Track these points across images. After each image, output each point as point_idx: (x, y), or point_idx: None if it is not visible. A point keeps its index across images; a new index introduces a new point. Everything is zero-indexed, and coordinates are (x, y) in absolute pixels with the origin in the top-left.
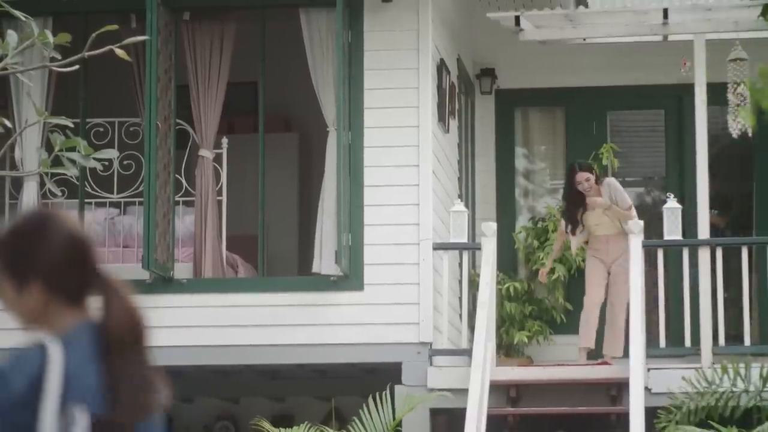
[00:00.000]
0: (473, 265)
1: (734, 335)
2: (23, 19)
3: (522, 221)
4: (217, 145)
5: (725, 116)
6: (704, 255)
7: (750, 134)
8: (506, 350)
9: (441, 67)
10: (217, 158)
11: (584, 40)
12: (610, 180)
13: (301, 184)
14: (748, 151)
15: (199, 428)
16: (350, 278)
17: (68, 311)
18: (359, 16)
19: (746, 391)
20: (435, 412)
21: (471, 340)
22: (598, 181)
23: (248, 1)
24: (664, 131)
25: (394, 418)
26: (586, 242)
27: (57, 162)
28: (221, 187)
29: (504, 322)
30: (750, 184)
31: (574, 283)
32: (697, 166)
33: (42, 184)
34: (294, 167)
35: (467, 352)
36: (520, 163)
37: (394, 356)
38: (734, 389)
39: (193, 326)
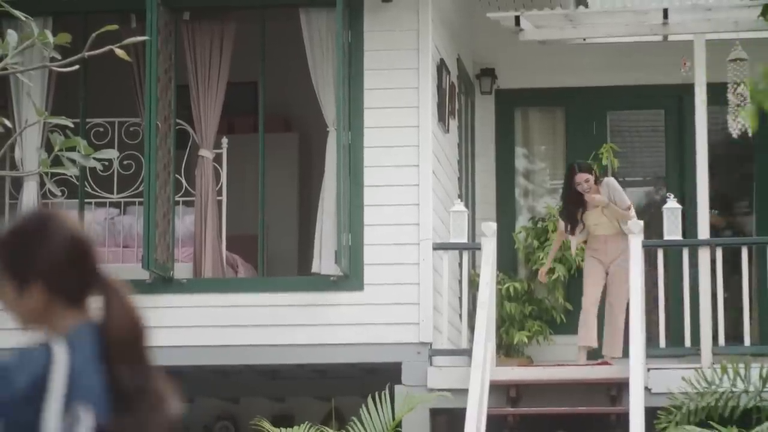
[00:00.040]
0: (473, 265)
1: (734, 335)
2: (23, 19)
3: (522, 221)
4: (217, 145)
5: (725, 116)
6: (704, 255)
7: (750, 134)
8: (506, 350)
9: (441, 67)
10: (217, 158)
11: (584, 40)
12: (609, 180)
13: (301, 184)
14: (748, 151)
15: (199, 428)
16: (350, 278)
17: (69, 312)
18: (359, 16)
19: (746, 391)
20: (435, 412)
21: (471, 340)
22: (597, 182)
23: (248, 1)
24: (664, 131)
25: (393, 419)
26: (585, 242)
27: (57, 162)
28: (221, 187)
29: (504, 322)
30: (750, 184)
31: (574, 283)
32: (697, 166)
33: (42, 184)
34: (294, 167)
35: (467, 352)
36: (520, 163)
37: (394, 356)
38: (734, 389)
39: (193, 326)
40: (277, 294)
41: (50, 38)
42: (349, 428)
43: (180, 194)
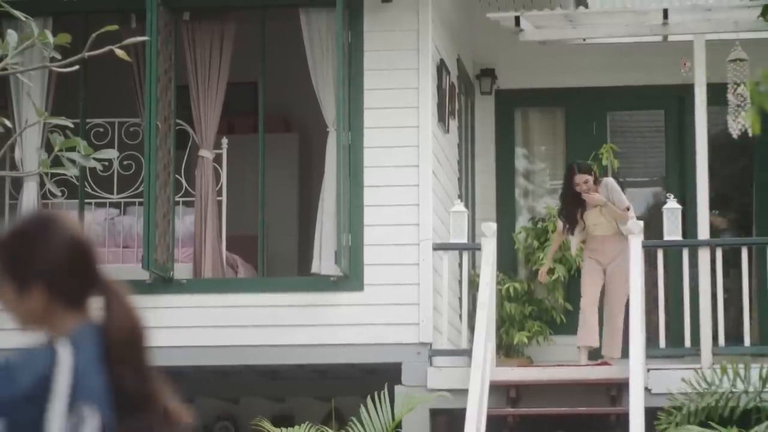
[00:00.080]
0: (473, 265)
1: (734, 336)
2: (23, 19)
3: (522, 221)
4: (217, 145)
5: (725, 117)
6: (704, 255)
7: (750, 134)
8: (506, 351)
9: (441, 68)
10: (217, 158)
11: (584, 40)
12: (608, 180)
13: (301, 185)
14: (748, 151)
15: (199, 428)
16: (350, 279)
17: (69, 314)
18: (359, 16)
19: (746, 391)
20: (435, 413)
21: (471, 340)
22: (596, 182)
23: (248, 1)
24: (664, 132)
25: (393, 419)
26: (584, 241)
27: (57, 162)
28: (221, 188)
29: (504, 323)
30: (750, 184)
31: (574, 283)
32: (697, 167)
33: (42, 185)
34: (294, 167)
35: (467, 353)
36: (520, 164)
37: (394, 357)
38: (734, 390)
39: (193, 327)
40: (277, 294)
41: (50, 38)
42: (349, 429)
43: (180, 194)
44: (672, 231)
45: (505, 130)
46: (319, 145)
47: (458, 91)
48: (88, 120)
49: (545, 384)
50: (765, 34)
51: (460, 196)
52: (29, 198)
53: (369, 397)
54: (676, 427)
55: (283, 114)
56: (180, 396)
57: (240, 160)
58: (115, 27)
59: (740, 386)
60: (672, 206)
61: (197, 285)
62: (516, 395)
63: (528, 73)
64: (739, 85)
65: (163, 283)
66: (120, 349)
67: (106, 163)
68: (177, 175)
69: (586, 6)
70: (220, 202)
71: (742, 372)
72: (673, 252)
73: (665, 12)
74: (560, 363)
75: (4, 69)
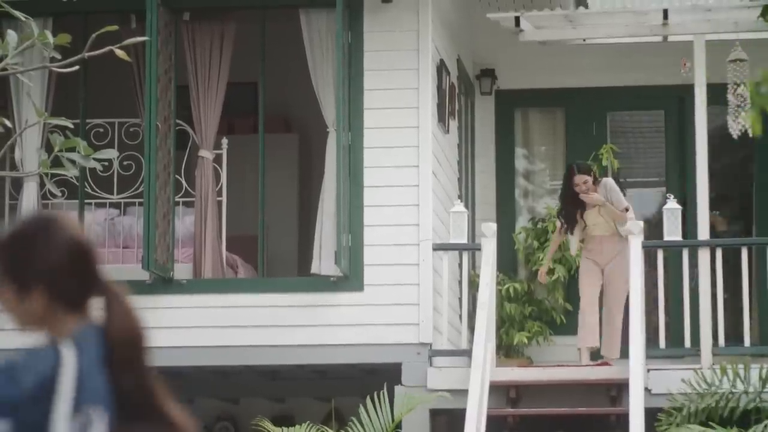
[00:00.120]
0: (473, 265)
1: (734, 336)
2: (23, 19)
3: (522, 222)
4: (217, 145)
5: (725, 117)
6: (704, 256)
7: (750, 135)
8: (506, 351)
9: (441, 68)
10: (217, 159)
11: (584, 40)
12: (607, 180)
13: (301, 185)
14: (748, 151)
15: (199, 429)
16: (350, 279)
17: (69, 315)
18: (359, 16)
19: (746, 392)
20: (435, 413)
21: (471, 340)
22: (595, 182)
23: (248, 1)
24: (664, 132)
25: (393, 419)
26: (583, 241)
27: (57, 162)
28: (221, 188)
29: (504, 323)
30: (750, 184)
31: (574, 283)
32: (697, 167)
33: (42, 185)
34: (294, 168)
35: (467, 353)
36: (520, 164)
37: (394, 357)
38: (734, 390)
39: (193, 327)
40: (277, 295)
41: (50, 38)
42: (349, 429)
43: (180, 195)
44: (672, 231)
45: (505, 131)
46: (319, 145)
47: (458, 92)
48: (88, 120)
49: (545, 384)
50: (765, 34)
51: (460, 197)
52: (29, 198)
53: (368, 397)
54: (677, 427)
55: (283, 114)
56: (179, 396)
57: (240, 161)
58: (115, 27)
59: (740, 387)
60: (672, 206)
61: (197, 285)
62: (516, 395)
63: (528, 73)
64: (739, 85)
65: (163, 283)
66: (121, 350)
67: (106, 164)
68: (177, 176)
69: (586, 6)
70: (220, 203)
71: (741, 372)
72: (673, 252)
73: (665, 12)
74: (560, 363)
75: (4, 69)
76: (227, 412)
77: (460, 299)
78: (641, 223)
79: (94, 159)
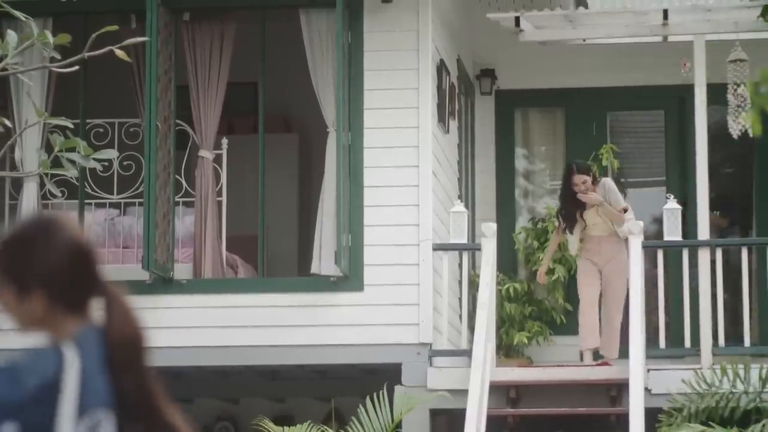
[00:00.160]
0: (473, 265)
1: (734, 336)
2: (23, 19)
3: (522, 222)
4: (217, 145)
5: (725, 117)
6: (704, 256)
7: (750, 135)
8: (506, 351)
9: (441, 68)
10: (217, 159)
11: (584, 40)
12: (606, 180)
13: (301, 185)
14: (748, 151)
15: (199, 429)
16: (350, 279)
17: (69, 317)
18: (359, 16)
19: (746, 392)
20: (435, 413)
21: (471, 340)
22: (594, 182)
23: (248, 1)
24: (664, 132)
25: (392, 419)
26: (582, 241)
27: (57, 163)
28: (221, 188)
29: (504, 323)
30: (750, 184)
31: (574, 283)
32: (697, 167)
33: (42, 185)
34: (294, 168)
35: (467, 353)
36: (520, 164)
37: (394, 357)
38: (734, 390)
39: (193, 327)
40: (277, 295)
41: (50, 38)
42: (349, 429)
43: (180, 195)
44: (672, 231)
45: (505, 131)
46: (319, 145)
47: (458, 92)
48: (88, 120)
49: (545, 384)
50: (765, 34)
51: (460, 197)
52: (29, 198)
53: (368, 397)
54: (678, 427)
55: (283, 114)
56: (180, 396)
57: (240, 161)
58: (115, 27)
59: (740, 387)
60: (672, 206)
61: (197, 285)
62: (516, 395)
63: (528, 73)
64: (739, 85)
65: (163, 283)
66: (120, 352)
67: (106, 164)
68: (177, 176)
69: (586, 6)
70: (220, 203)
71: (741, 372)
72: (673, 252)
73: (665, 12)
74: (560, 363)
75: (4, 69)
76: (227, 412)
77: (460, 299)
78: (641, 223)
79: (94, 159)
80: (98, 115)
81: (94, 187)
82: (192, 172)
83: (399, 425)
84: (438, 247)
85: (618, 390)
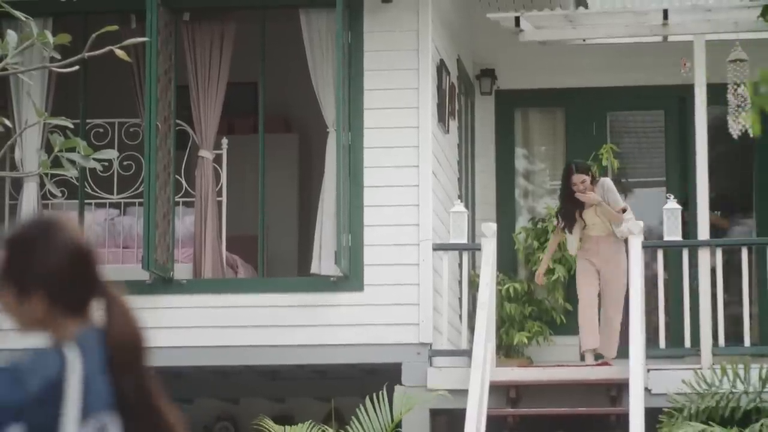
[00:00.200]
0: (473, 265)
1: (734, 336)
2: (23, 19)
3: (522, 222)
4: (217, 145)
5: (725, 117)
6: (704, 256)
7: (750, 135)
8: (506, 351)
9: (441, 68)
10: (217, 159)
11: (584, 40)
12: (605, 180)
13: (301, 185)
14: (748, 151)
15: (199, 429)
16: (350, 279)
17: (69, 319)
18: (359, 16)
19: (746, 392)
20: (435, 413)
21: (471, 340)
22: (593, 182)
23: (248, 1)
24: (664, 132)
25: (392, 419)
26: (581, 240)
27: (57, 163)
28: (221, 188)
29: (504, 323)
30: (750, 184)
31: (574, 283)
32: (697, 167)
33: (42, 185)
34: (294, 168)
35: (467, 353)
36: (520, 164)
37: (394, 357)
38: (734, 390)
39: (193, 327)
40: (277, 295)
41: (50, 38)
42: (349, 429)
43: (180, 195)
44: (672, 231)
45: (505, 131)
46: (319, 145)
47: (458, 92)
48: (88, 120)
49: (545, 384)
50: (765, 34)
51: (460, 197)
52: (29, 199)
53: (368, 397)
54: (678, 427)
55: (283, 114)
56: (179, 396)
57: (240, 161)
58: (115, 27)
59: (740, 387)
60: (672, 206)
61: (197, 285)
62: (516, 395)
63: (528, 73)
64: (739, 85)
65: (163, 283)
66: (120, 354)
67: (106, 164)
68: (177, 176)
69: (586, 6)
70: (220, 203)
71: (741, 373)
72: (673, 252)
73: (665, 12)
74: (560, 363)
75: (4, 69)
76: (227, 412)
77: (460, 299)
78: (641, 223)
79: (94, 159)
80: (98, 115)
81: (94, 187)
82: (192, 172)
83: (399, 425)
84: (438, 247)
85: (618, 390)
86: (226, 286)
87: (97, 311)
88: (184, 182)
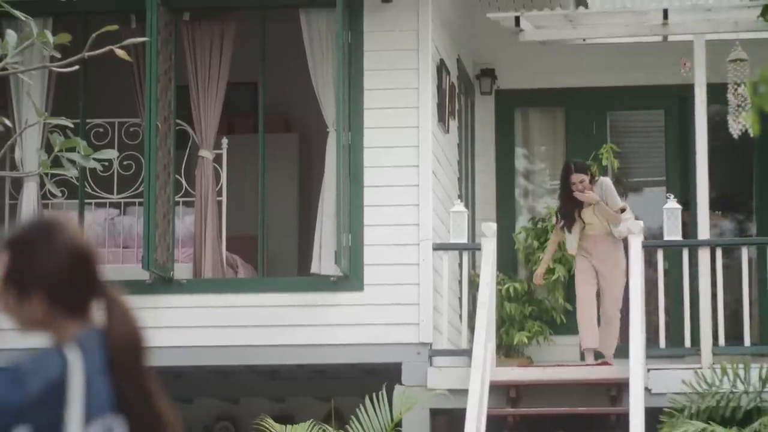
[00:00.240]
0: (473, 265)
1: (734, 336)
2: (23, 18)
3: (522, 222)
4: (217, 145)
5: (726, 117)
6: (704, 255)
7: (750, 134)
8: (506, 351)
9: (441, 68)
10: (217, 159)
11: (584, 40)
12: (604, 179)
13: (301, 185)
14: (748, 151)
15: (199, 428)
16: (350, 279)
17: (70, 320)
18: (359, 16)
19: (746, 392)
20: (435, 413)
21: (471, 340)
22: (592, 181)
23: (248, 1)
24: (664, 132)
25: (392, 419)
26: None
27: (57, 163)
28: (221, 188)
29: (504, 323)
30: (750, 184)
31: (574, 283)
32: (697, 167)
33: (42, 185)
34: (294, 168)
35: (467, 353)
36: (520, 164)
37: (394, 357)
38: (734, 390)
39: (193, 327)
40: (277, 294)
41: (50, 38)
42: (349, 428)
43: (180, 195)
44: (672, 231)
45: (505, 130)
46: (319, 145)
47: (458, 91)
48: (88, 120)
49: (545, 384)
50: (765, 34)
51: (460, 196)
52: (29, 198)
53: (367, 397)
54: (679, 425)
55: (283, 114)
56: (179, 396)
57: (240, 160)
58: (115, 27)
59: (740, 387)
60: (672, 206)
61: (197, 285)
62: (516, 395)
63: (528, 73)
64: (739, 85)
65: (163, 283)
66: (121, 356)
67: (106, 164)
68: (177, 175)
69: (586, 6)
70: (220, 202)
71: (741, 372)
72: (673, 252)
73: (665, 12)
74: (560, 363)
75: (4, 69)
76: (227, 412)
77: (460, 299)
78: (641, 223)
79: (94, 159)
80: (98, 114)
81: (94, 187)
82: (192, 172)
83: (399, 425)
84: (438, 247)
85: (618, 390)
86: (226, 285)
87: (97, 312)
88: (184, 182)
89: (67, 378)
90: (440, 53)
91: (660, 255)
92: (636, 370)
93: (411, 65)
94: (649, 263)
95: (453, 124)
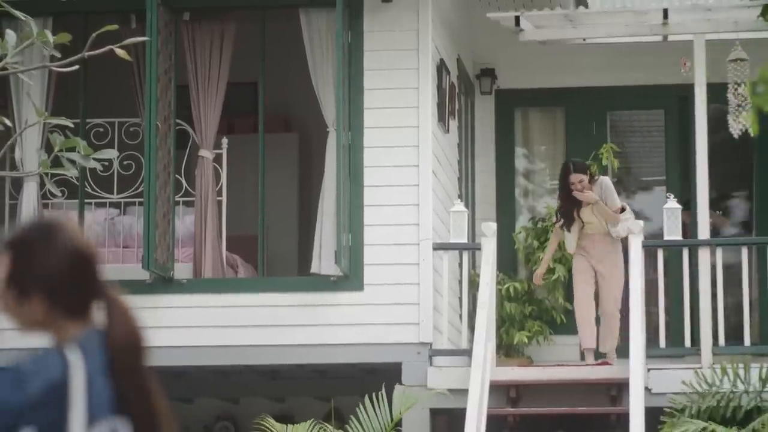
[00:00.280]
0: (473, 265)
1: (734, 336)
2: (23, 18)
3: (522, 221)
4: (217, 145)
5: (726, 116)
6: (704, 255)
7: (751, 134)
8: (506, 350)
9: (441, 68)
10: (217, 158)
11: (584, 40)
12: (604, 179)
13: (301, 185)
14: (748, 151)
15: (199, 428)
16: (350, 278)
17: (70, 321)
18: (359, 16)
19: (746, 392)
20: (435, 412)
21: (471, 340)
22: (591, 181)
23: (248, 1)
24: (664, 131)
25: (392, 418)
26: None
27: (57, 162)
28: (221, 188)
29: (504, 323)
30: (750, 184)
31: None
32: (697, 167)
33: (42, 185)
34: (294, 168)
35: (467, 353)
36: (520, 164)
37: (394, 356)
38: (734, 390)
39: (193, 326)
40: (277, 294)
41: (50, 38)
42: (349, 428)
43: (180, 194)
44: (672, 231)
45: (505, 130)
46: (319, 145)
47: (458, 91)
48: (88, 120)
49: (545, 384)
50: (765, 34)
51: (460, 196)
52: (29, 198)
53: (367, 396)
54: (680, 424)
55: (283, 114)
56: (179, 396)
57: (240, 160)
58: (115, 27)
59: (740, 386)
60: (672, 206)
61: (197, 285)
62: (516, 395)
63: (528, 73)
64: (739, 85)
65: (163, 283)
66: (121, 357)
67: (106, 163)
68: (177, 175)
69: (586, 6)
70: (220, 202)
71: (741, 372)
72: (673, 252)
73: (665, 12)
74: (560, 363)
75: (4, 68)
76: (227, 412)
77: (460, 299)
78: (641, 223)
79: (94, 159)
80: (98, 114)
81: (94, 187)
82: (192, 172)
83: (399, 424)
84: (438, 247)
85: (618, 389)
86: (226, 285)
87: (97, 313)
88: (184, 182)
89: (68, 379)
90: (440, 53)
91: (660, 255)
92: (636, 369)
93: (411, 65)
94: (649, 263)
95: (453, 124)
